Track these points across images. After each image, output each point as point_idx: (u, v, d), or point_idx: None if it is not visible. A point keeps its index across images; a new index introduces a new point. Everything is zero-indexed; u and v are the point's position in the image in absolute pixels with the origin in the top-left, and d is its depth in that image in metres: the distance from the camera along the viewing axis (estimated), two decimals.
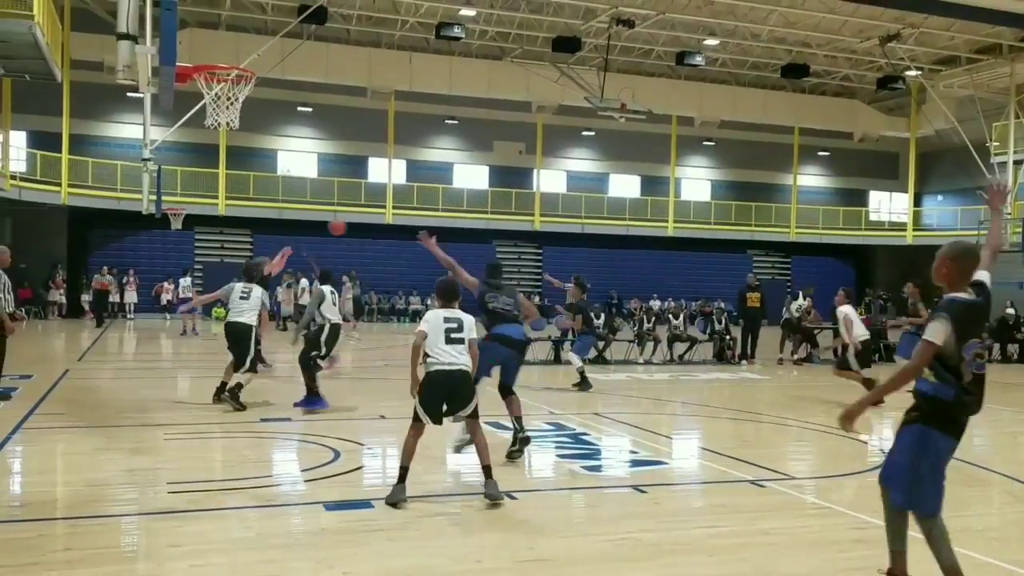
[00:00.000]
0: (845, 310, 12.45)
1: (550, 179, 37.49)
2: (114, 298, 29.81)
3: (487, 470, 6.23)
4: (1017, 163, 31.48)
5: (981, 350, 4.25)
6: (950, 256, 4.25)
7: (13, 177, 26.73)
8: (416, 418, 6.20)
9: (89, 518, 5.65)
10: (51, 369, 13.65)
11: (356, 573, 4.75)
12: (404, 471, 6.12)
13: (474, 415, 6.36)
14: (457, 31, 28.40)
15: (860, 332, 12.33)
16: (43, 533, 5.35)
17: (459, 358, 6.21)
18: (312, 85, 31.70)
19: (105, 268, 28.20)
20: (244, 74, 11.95)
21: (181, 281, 25.08)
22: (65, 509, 6.07)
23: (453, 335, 6.24)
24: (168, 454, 7.91)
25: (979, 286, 4.26)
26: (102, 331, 23.99)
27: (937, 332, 4.09)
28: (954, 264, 4.23)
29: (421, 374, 6.28)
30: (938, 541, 4.26)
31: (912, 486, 4.27)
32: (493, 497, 6.11)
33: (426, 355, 6.25)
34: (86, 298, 29.38)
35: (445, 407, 6.25)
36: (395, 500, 6.03)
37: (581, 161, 38.35)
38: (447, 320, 6.29)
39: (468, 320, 6.37)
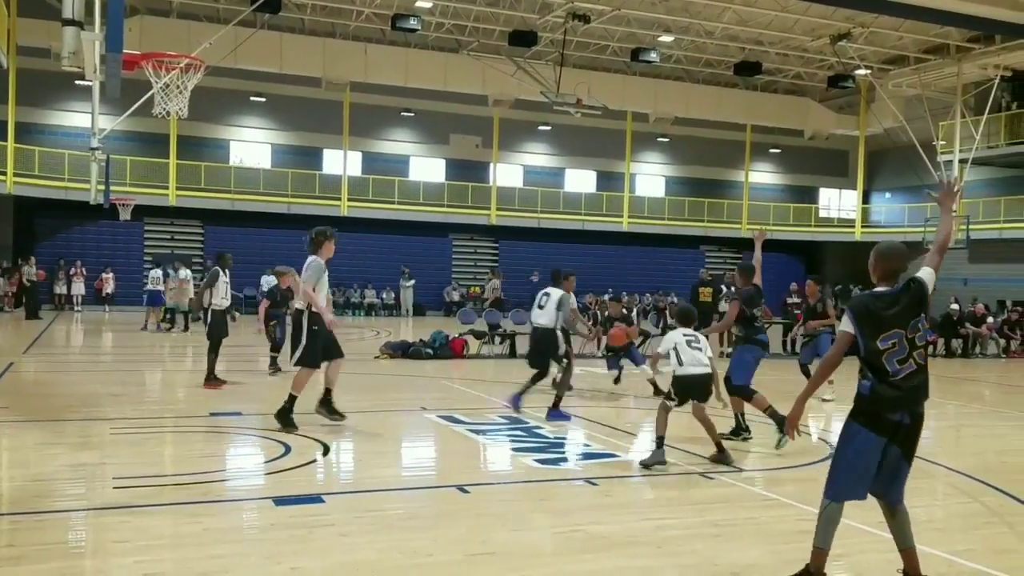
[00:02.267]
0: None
1: (506, 173, 37.51)
2: (60, 290, 29.18)
3: (718, 445, 7.70)
4: (962, 162, 32.23)
5: (919, 343, 4.32)
6: (877, 256, 4.50)
7: None
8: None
9: (34, 514, 5.54)
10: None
11: (305, 568, 4.72)
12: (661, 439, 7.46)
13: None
14: (413, 23, 28.24)
15: None
16: None
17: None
18: (266, 75, 31.30)
19: (33, 259, 27.22)
20: (194, 63, 11.76)
21: (181, 273, 22.05)
22: (9, 505, 5.94)
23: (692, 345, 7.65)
24: (115, 449, 7.79)
25: (911, 280, 4.39)
26: (48, 323, 23.49)
27: (844, 323, 4.38)
28: (879, 263, 4.48)
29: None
30: (823, 521, 4.48)
31: (830, 471, 4.47)
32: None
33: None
34: (10, 289, 27.93)
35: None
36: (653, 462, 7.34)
37: (537, 156, 38.43)
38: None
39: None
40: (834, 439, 9.36)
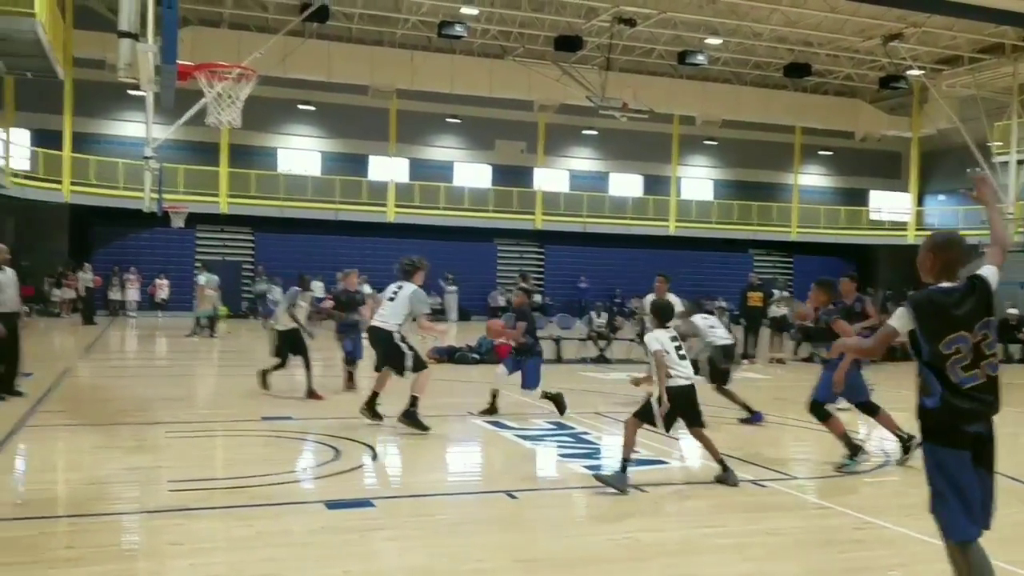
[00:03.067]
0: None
1: (552, 178, 37.47)
2: (115, 296, 29.79)
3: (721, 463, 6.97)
4: (1019, 162, 31.46)
5: (988, 350, 3.74)
6: (931, 248, 3.90)
7: (15, 175, 26.74)
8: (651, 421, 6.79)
9: (90, 516, 5.65)
10: (52, 367, 13.65)
11: (356, 572, 4.75)
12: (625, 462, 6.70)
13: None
14: (459, 30, 28.37)
15: None
16: (45, 531, 5.35)
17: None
18: (314, 83, 31.68)
19: (88, 266, 27.81)
20: (246, 72, 11.94)
21: (200, 279, 22.24)
22: (66, 507, 6.07)
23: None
24: (169, 452, 7.92)
25: (975, 278, 3.82)
26: (103, 329, 24.00)
27: (897, 318, 3.80)
28: (937, 256, 3.87)
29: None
30: (972, 571, 3.68)
31: (936, 508, 3.77)
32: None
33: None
34: (68, 295, 28.41)
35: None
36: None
37: (583, 160, 38.34)
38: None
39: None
40: (889, 446, 9.18)
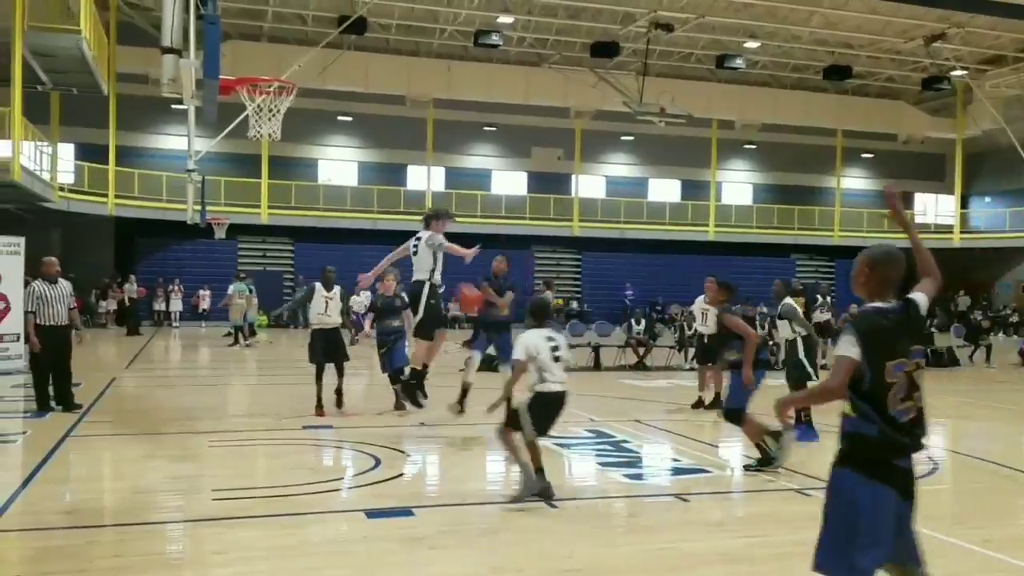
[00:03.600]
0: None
1: (589, 184, 37.39)
2: (159, 306, 30.27)
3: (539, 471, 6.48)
4: None
5: (919, 380, 3.41)
6: (868, 262, 3.61)
7: (62, 189, 27.30)
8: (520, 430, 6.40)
9: (136, 525, 5.73)
10: (99, 377, 13.90)
11: None
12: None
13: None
14: (495, 38, 28.47)
15: None
16: (92, 540, 5.44)
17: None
18: (352, 95, 31.97)
19: (133, 277, 28.36)
20: (286, 86, 12.08)
21: (228, 288, 22.86)
22: (113, 516, 6.17)
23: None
24: (212, 461, 8.02)
25: (908, 301, 3.56)
26: (148, 339, 24.40)
27: (849, 345, 3.38)
28: (873, 271, 3.59)
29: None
30: None
31: (821, 539, 3.45)
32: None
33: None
34: (113, 307, 29.03)
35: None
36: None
37: (620, 166, 38.22)
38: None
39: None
40: (936, 453, 9.02)
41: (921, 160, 40.25)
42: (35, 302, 10.28)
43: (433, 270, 9.01)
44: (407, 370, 9.62)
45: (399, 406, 10.42)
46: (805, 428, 9.24)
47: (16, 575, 4.82)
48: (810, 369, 9.57)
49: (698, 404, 12.04)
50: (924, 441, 3.42)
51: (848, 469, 3.41)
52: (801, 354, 9.57)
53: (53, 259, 10.70)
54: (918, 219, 40.56)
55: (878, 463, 3.36)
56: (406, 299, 9.90)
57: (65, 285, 10.60)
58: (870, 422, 3.36)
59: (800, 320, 9.68)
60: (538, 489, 6.38)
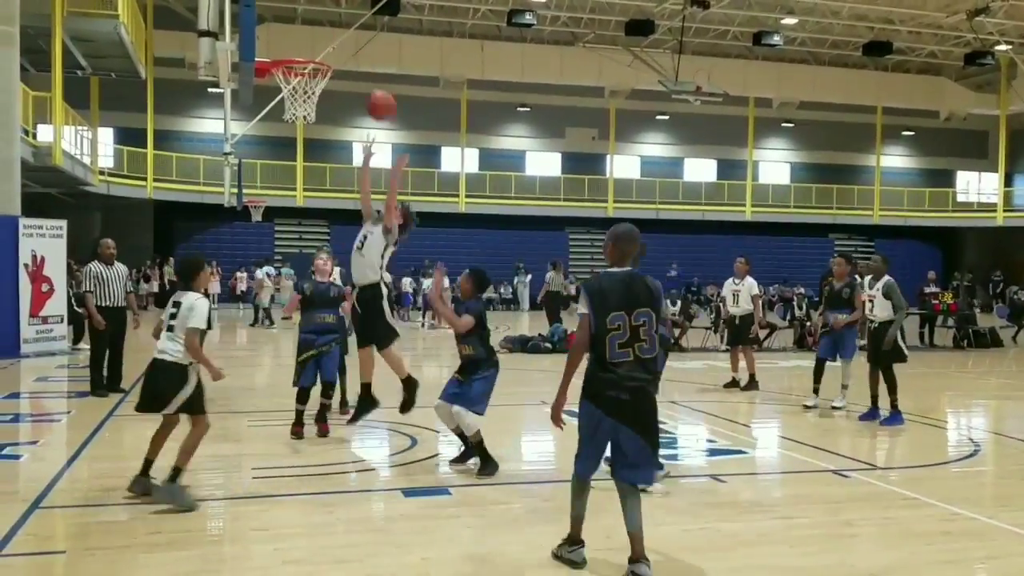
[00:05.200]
0: None
1: (624, 165, 37.16)
2: None
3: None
4: None
5: (644, 335, 4.38)
6: (612, 238, 4.64)
7: (102, 173, 27.70)
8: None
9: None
10: (139, 358, 14.10)
11: (435, 559, 4.80)
12: None
13: None
14: (529, 18, 28.30)
15: None
16: (134, 516, 5.53)
17: None
18: (385, 76, 31.98)
19: (172, 260, 28.68)
20: (320, 67, 12.11)
21: (257, 273, 24.56)
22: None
23: None
24: (251, 440, 8.12)
25: (635, 272, 4.55)
26: None
27: (581, 304, 4.49)
28: (615, 246, 4.62)
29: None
30: (574, 493, 4.73)
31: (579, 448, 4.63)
32: None
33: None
34: (153, 289, 29.38)
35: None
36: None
37: (655, 146, 37.93)
38: None
39: None
40: (978, 435, 8.88)
41: (964, 137, 39.46)
42: (92, 282, 10.40)
43: (382, 267, 7.37)
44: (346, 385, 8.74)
45: (322, 428, 8.22)
46: (894, 414, 9.06)
47: (62, 550, 4.92)
48: (905, 350, 9.23)
49: (731, 384, 11.97)
50: (644, 382, 4.42)
51: (582, 397, 4.51)
52: (898, 334, 9.13)
53: (110, 241, 10.78)
54: (960, 198, 39.84)
55: (596, 393, 4.44)
56: (342, 288, 8.48)
57: (121, 267, 10.72)
58: (594, 361, 4.44)
59: (899, 298, 9.16)
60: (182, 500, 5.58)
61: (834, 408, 10.01)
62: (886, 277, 9.29)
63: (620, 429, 4.44)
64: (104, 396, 10.20)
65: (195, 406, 5.81)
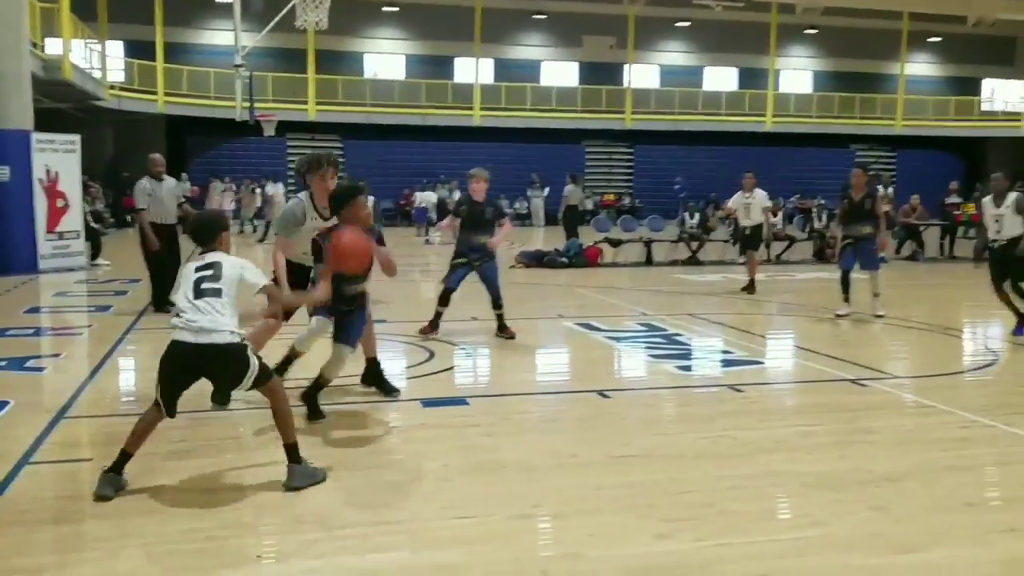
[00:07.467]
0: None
1: (642, 74, 36.39)
2: (212, 205, 30.56)
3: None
4: None
5: None
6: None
7: (112, 87, 27.42)
8: None
9: (201, 412, 5.90)
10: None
11: (455, 465, 4.86)
12: None
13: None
14: None
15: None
16: (160, 425, 5.61)
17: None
18: None
19: (185, 176, 28.43)
20: None
21: (268, 189, 25.62)
22: (181, 404, 6.34)
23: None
24: (269, 351, 8.17)
25: None
26: None
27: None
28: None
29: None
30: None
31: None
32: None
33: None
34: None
35: None
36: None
37: (675, 54, 37.07)
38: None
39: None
40: (995, 344, 8.85)
41: (991, 43, 38.31)
42: (144, 199, 10.20)
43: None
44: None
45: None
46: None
47: (88, 457, 5.02)
48: None
49: (749, 287, 12.62)
50: None
51: None
52: None
53: (158, 156, 10.55)
54: (984, 107, 38.93)
55: None
56: (501, 210, 8.99)
57: (171, 182, 10.51)
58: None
59: None
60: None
61: (877, 317, 10.05)
62: (1014, 193, 8.96)
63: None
64: (168, 312, 10.17)
65: (263, 376, 4.62)
